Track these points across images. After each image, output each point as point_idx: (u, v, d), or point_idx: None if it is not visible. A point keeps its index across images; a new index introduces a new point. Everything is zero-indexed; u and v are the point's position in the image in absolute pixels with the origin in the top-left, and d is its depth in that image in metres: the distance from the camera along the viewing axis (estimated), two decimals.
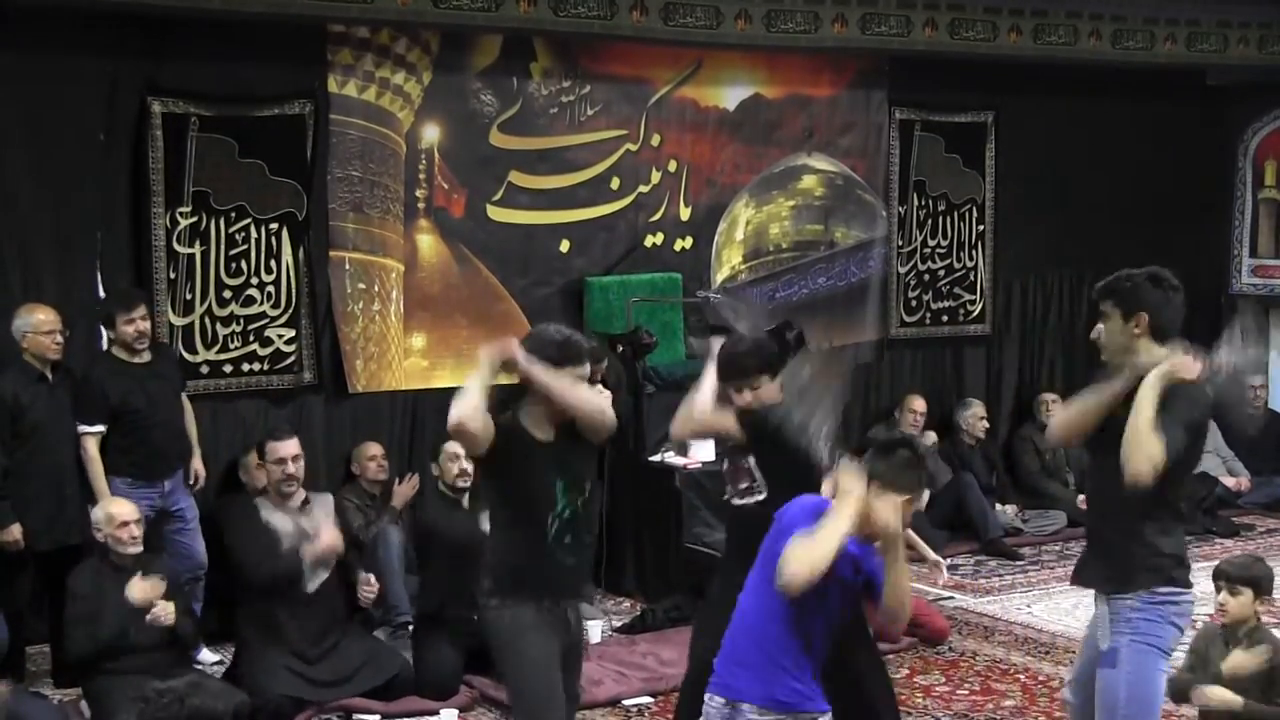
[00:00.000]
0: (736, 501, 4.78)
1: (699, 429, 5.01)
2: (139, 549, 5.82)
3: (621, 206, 8.34)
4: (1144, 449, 3.99)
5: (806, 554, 3.68)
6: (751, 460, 4.72)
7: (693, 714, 4.15)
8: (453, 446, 6.10)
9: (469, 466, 6.15)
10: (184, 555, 6.53)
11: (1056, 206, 9.81)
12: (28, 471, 6.19)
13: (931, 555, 6.93)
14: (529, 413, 4.37)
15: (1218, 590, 4.86)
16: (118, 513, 5.81)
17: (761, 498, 4.64)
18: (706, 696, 3.92)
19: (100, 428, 6.33)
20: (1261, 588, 4.82)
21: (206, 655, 6.49)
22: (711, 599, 4.96)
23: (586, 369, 4.47)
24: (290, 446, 6.10)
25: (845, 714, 4.87)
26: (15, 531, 6.09)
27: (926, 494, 7.18)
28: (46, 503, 6.22)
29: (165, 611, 5.67)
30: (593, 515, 4.67)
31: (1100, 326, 4.28)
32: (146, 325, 6.51)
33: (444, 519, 6.36)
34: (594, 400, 4.48)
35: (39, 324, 6.22)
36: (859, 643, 4.77)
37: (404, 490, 7.20)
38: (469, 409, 4.21)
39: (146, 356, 6.52)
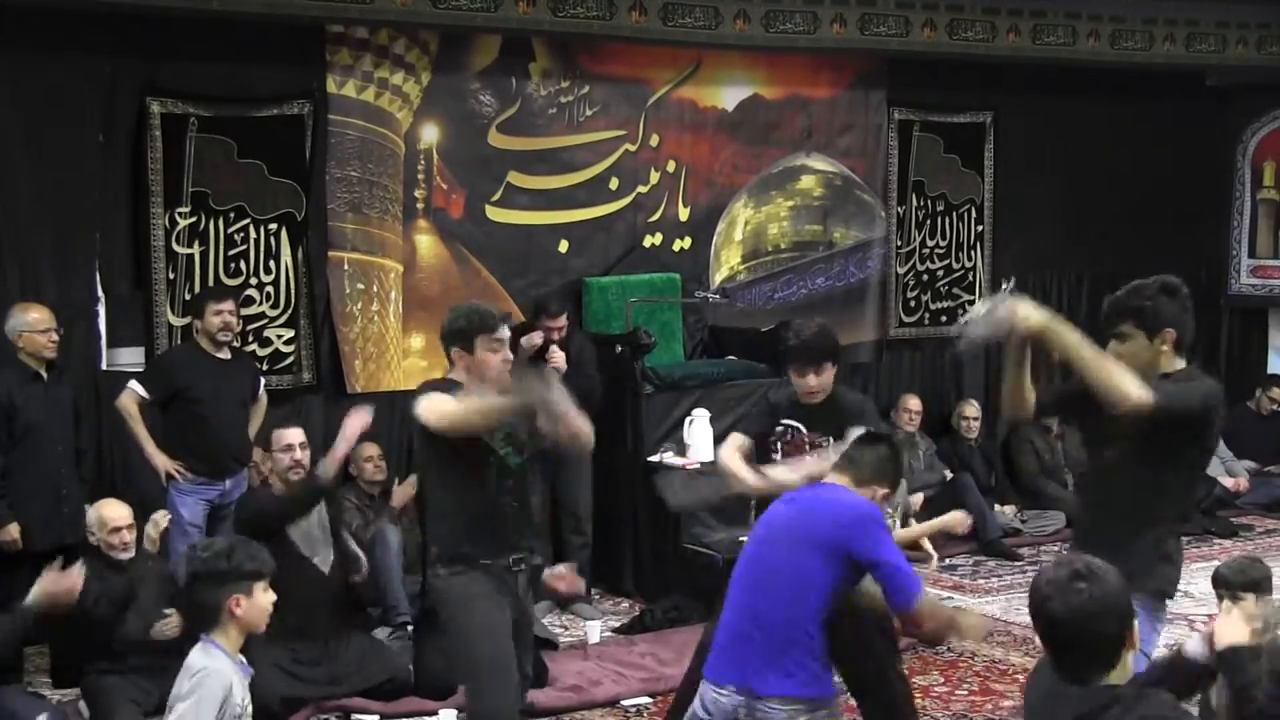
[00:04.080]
0: None
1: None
2: (129, 554, 5.81)
3: (620, 207, 8.35)
4: (1119, 377, 3.94)
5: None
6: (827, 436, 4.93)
7: None
8: None
9: None
10: None
11: (1055, 207, 9.81)
12: (23, 471, 6.19)
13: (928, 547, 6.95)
14: (462, 378, 4.50)
15: (1219, 598, 4.81)
16: (110, 517, 5.80)
17: None
18: (715, 688, 3.90)
19: (146, 394, 6.46)
20: (1262, 589, 4.77)
21: None
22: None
23: (503, 333, 4.55)
24: (296, 434, 6.17)
25: (871, 693, 4.91)
26: (12, 531, 6.09)
27: (904, 488, 7.28)
28: (42, 502, 6.22)
29: (170, 625, 5.68)
30: (533, 475, 4.82)
31: (1118, 346, 4.21)
32: (233, 320, 6.61)
33: None
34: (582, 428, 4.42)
35: (34, 323, 6.22)
36: (879, 625, 4.84)
37: (404, 491, 7.20)
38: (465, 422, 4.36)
39: (226, 355, 6.62)
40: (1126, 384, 3.93)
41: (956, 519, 6.79)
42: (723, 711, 3.89)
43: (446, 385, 4.51)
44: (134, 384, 6.51)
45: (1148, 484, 4.14)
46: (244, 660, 3.87)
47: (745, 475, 4.87)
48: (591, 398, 7.44)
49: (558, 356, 7.18)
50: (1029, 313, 4.01)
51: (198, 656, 3.77)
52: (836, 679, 4.54)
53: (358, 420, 5.65)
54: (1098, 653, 2.98)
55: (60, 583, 5.40)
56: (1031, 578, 3.16)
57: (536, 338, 7.10)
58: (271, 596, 3.87)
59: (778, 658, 3.82)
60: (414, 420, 4.49)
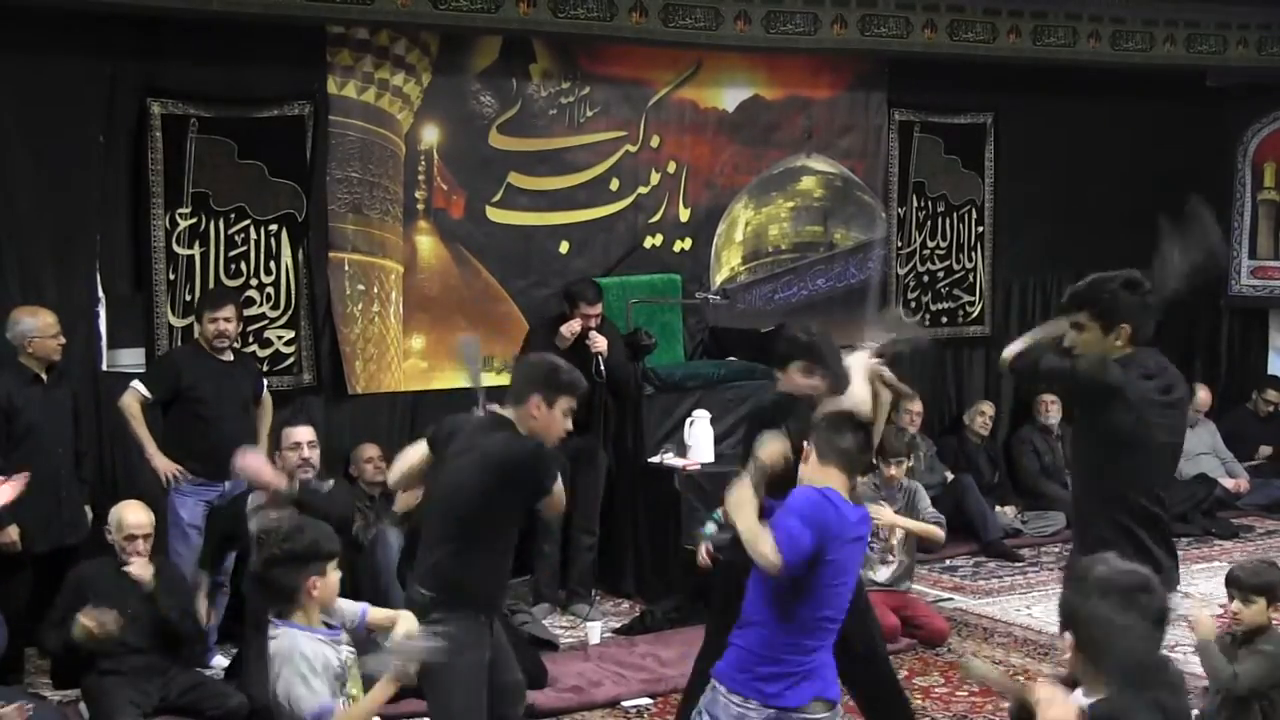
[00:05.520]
0: None
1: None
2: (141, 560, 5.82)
3: (621, 208, 8.34)
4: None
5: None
6: None
7: None
8: None
9: None
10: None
11: (1056, 208, 9.81)
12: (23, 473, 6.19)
13: (918, 525, 6.90)
14: (521, 423, 4.50)
15: (1230, 598, 4.81)
16: (130, 523, 5.81)
17: None
18: (727, 693, 3.93)
19: (149, 394, 6.45)
20: (1276, 594, 4.76)
21: (219, 660, 6.48)
22: (716, 609, 4.97)
23: (575, 403, 4.57)
24: (305, 432, 6.18)
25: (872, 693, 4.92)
26: (12, 533, 6.08)
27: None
28: (43, 504, 6.21)
29: (107, 620, 5.60)
30: None
31: (1075, 335, 4.23)
32: (229, 327, 6.58)
33: None
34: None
35: (46, 327, 6.23)
36: (865, 631, 4.86)
37: (406, 499, 7.17)
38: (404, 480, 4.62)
39: (229, 357, 6.64)
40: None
41: (935, 533, 6.88)
42: None
43: (539, 448, 4.49)
44: (137, 384, 6.51)
45: (1087, 481, 4.19)
46: (328, 624, 3.88)
47: None
48: (629, 385, 7.49)
49: (600, 342, 7.21)
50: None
51: (280, 644, 3.77)
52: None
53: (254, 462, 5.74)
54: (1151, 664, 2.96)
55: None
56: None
57: (575, 325, 7.15)
58: (338, 575, 3.89)
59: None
60: (481, 470, 4.43)
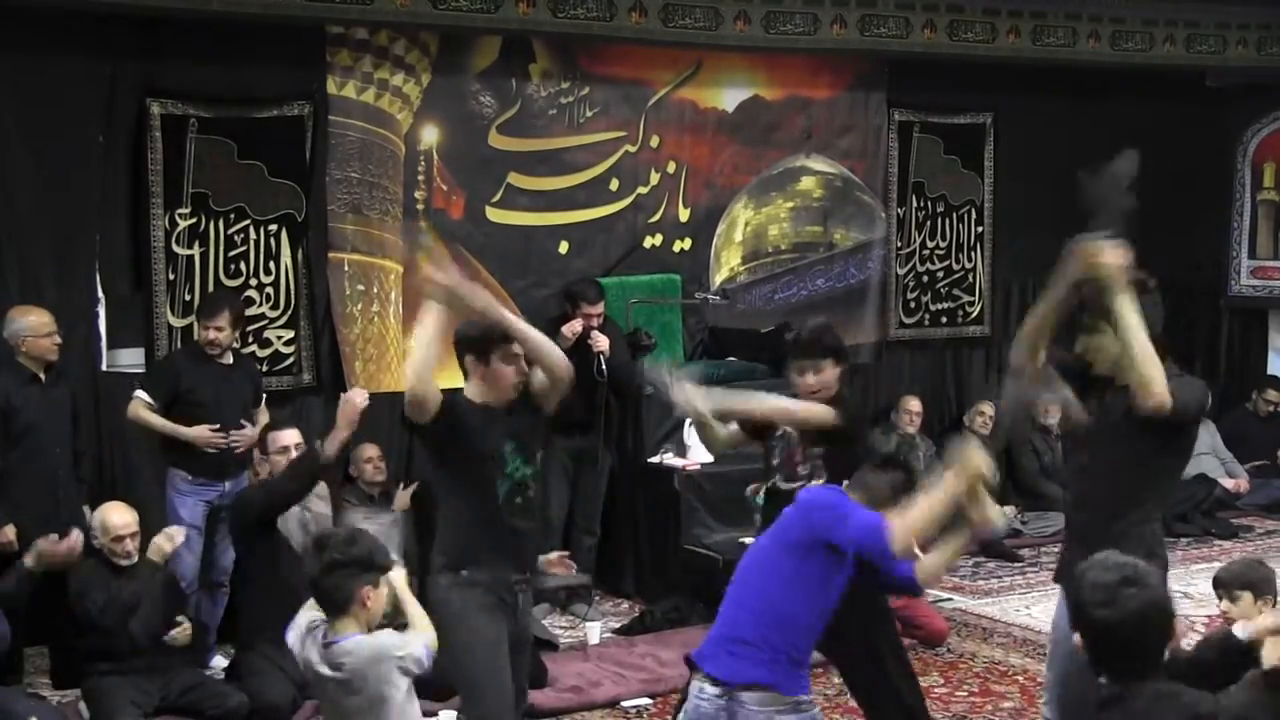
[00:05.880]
0: (784, 485, 4.84)
1: (790, 420, 4.88)
2: (132, 561, 5.81)
3: (620, 208, 8.34)
4: (1157, 370, 3.94)
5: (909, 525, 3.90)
6: (817, 450, 4.83)
7: None
8: None
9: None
10: (219, 559, 6.54)
11: (1055, 208, 9.77)
12: (21, 473, 6.19)
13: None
14: (475, 389, 4.50)
15: (1219, 599, 4.84)
16: (114, 524, 5.80)
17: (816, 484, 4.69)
18: (697, 684, 3.96)
19: (150, 399, 6.42)
20: (1259, 589, 4.78)
21: (219, 661, 6.48)
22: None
23: (519, 347, 4.54)
24: (291, 435, 6.16)
25: (869, 694, 4.90)
26: (9, 533, 6.07)
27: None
28: (40, 504, 6.21)
29: (183, 633, 5.79)
30: (538, 492, 4.72)
31: (1086, 339, 4.26)
32: (219, 336, 6.51)
33: None
34: (554, 346, 4.60)
35: (39, 326, 6.23)
36: (881, 626, 4.85)
37: (405, 498, 7.19)
38: (423, 371, 4.34)
39: (229, 359, 6.62)
40: (1159, 380, 3.95)
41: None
42: (705, 717, 3.93)
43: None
44: (140, 393, 6.46)
45: (1128, 479, 4.17)
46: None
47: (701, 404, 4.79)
48: (632, 385, 7.50)
49: (602, 341, 7.22)
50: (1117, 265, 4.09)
51: (352, 658, 3.81)
52: (838, 681, 4.54)
53: (356, 401, 5.63)
54: (1148, 655, 2.98)
55: (59, 545, 5.39)
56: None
57: (577, 325, 7.17)
58: (385, 593, 3.90)
59: (755, 653, 3.88)
60: (420, 428, 4.50)
